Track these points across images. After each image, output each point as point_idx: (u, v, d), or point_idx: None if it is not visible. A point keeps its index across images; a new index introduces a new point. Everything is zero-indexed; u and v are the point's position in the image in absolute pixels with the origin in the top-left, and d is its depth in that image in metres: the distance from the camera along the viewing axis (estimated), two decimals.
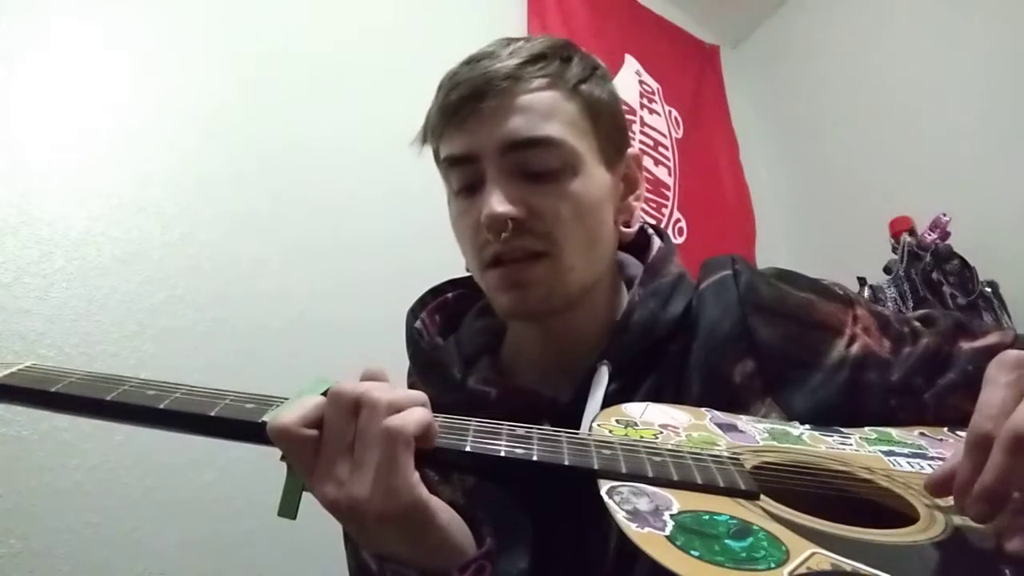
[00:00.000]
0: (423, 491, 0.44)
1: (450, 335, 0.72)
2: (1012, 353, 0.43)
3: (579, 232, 0.61)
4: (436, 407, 0.48)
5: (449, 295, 0.74)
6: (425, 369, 0.68)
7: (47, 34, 1.25)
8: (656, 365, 0.62)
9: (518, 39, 0.64)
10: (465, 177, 0.62)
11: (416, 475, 0.43)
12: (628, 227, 0.68)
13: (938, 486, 0.43)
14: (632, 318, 0.63)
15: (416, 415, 0.44)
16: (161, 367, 1.16)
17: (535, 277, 0.60)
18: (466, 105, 0.60)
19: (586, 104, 0.63)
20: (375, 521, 0.43)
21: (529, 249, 0.59)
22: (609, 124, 0.65)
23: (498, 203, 0.58)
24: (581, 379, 0.60)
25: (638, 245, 0.73)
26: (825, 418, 0.58)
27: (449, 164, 0.64)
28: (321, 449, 0.44)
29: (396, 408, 0.44)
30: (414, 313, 0.71)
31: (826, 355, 0.61)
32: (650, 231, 0.73)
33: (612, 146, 0.66)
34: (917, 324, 0.65)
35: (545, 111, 0.60)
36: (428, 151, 0.68)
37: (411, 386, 0.68)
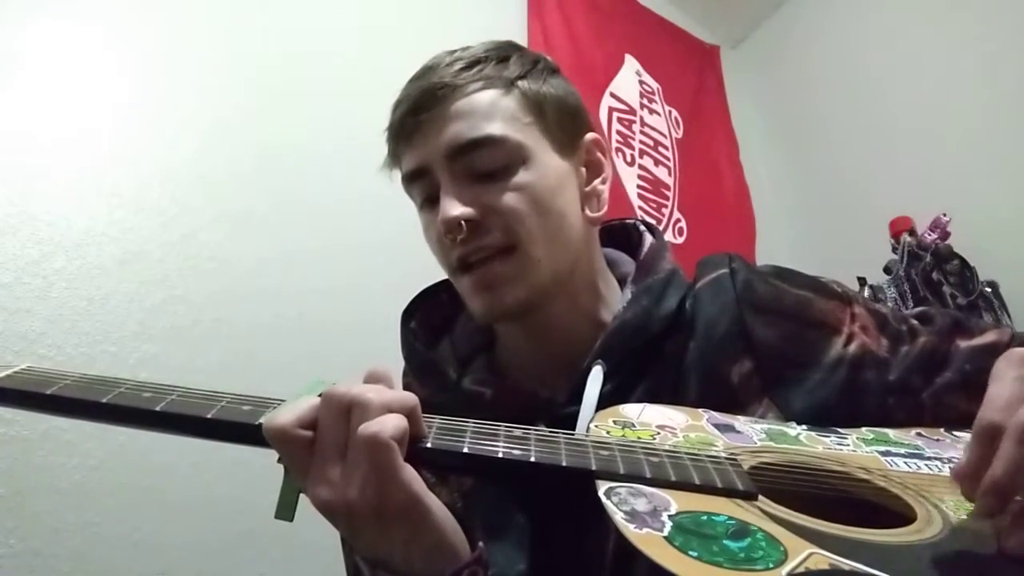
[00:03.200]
0: (418, 487, 0.44)
1: (445, 336, 0.72)
2: (1020, 351, 0.43)
3: (540, 222, 0.60)
4: (432, 408, 0.48)
5: (443, 296, 0.74)
6: (420, 370, 0.68)
7: (47, 34, 1.25)
8: (652, 365, 0.62)
9: (457, 49, 0.65)
10: (424, 190, 0.63)
11: (410, 471, 0.43)
12: (598, 212, 0.68)
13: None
14: (625, 316, 0.62)
15: (393, 420, 0.43)
16: (161, 367, 1.17)
17: (504, 273, 0.60)
18: (409, 120, 0.62)
19: (526, 98, 0.63)
20: (371, 519, 0.43)
21: (492, 247, 0.60)
22: (557, 113, 0.65)
23: (451, 207, 0.58)
24: (577, 379, 0.60)
25: (631, 242, 0.73)
26: (823, 418, 0.58)
27: (408, 181, 0.65)
28: (315, 450, 0.44)
29: (389, 409, 0.44)
30: (408, 314, 0.71)
31: (824, 354, 0.61)
32: (642, 228, 0.73)
33: (564, 134, 0.65)
34: (915, 323, 0.65)
35: (484, 112, 0.61)
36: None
37: (406, 387, 0.68)
